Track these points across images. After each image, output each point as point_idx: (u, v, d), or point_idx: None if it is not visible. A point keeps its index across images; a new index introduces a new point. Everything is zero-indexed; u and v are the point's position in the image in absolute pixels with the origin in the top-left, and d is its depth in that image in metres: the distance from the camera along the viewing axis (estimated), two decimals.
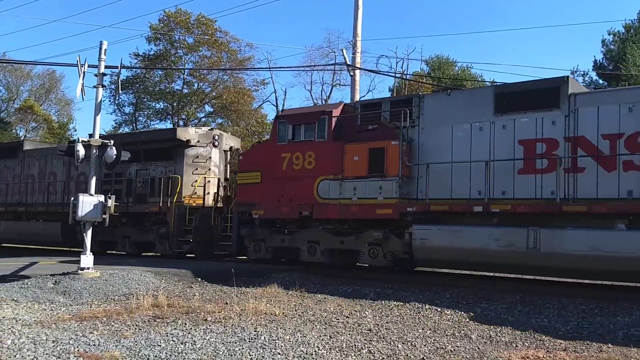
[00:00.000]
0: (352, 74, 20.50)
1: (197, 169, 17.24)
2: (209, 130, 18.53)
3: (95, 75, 12.71)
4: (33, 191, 21.04)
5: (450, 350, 6.82)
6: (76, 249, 19.16)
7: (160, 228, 17.00)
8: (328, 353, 6.51)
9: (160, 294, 9.63)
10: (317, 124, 13.68)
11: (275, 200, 14.09)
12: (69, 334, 7.09)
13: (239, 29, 68.88)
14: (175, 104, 40.44)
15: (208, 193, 17.09)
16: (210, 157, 17.56)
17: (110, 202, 12.09)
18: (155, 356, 6.20)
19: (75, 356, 6.12)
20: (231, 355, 6.30)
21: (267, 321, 8.06)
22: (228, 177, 17.96)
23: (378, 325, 8.12)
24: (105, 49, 12.81)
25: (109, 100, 41.36)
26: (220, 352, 6.40)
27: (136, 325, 7.74)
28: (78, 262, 11.83)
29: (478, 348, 6.99)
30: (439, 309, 9.44)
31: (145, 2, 64.89)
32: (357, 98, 20.46)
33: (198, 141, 17.44)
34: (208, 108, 41.97)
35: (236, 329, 7.54)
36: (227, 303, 9.52)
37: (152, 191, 17.05)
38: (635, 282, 10.98)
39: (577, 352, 6.96)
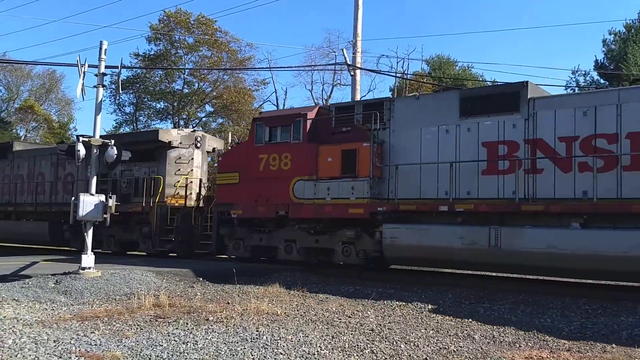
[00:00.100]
0: (352, 73, 20.49)
1: (179, 169, 17.60)
2: (192, 131, 18.89)
3: (96, 75, 12.70)
4: (22, 191, 21.36)
5: (453, 351, 6.79)
6: (63, 248, 19.81)
7: (143, 227, 17.33)
8: (330, 353, 6.48)
9: (162, 293, 9.61)
10: (292, 126, 14.07)
11: (253, 200, 14.45)
12: (70, 334, 7.07)
13: (239, 29, 69.01)
14: (175, 104, 40.43)
15: (190, 193, 17.50)
16: (192, 158, 17.92)
17: (112, 202, 12.07)
18: (157, 356, 6.18)
19: (76, 356, 6.10)
20: (233, 355, 6.27)
21: (269, 321, 8.04)
22: (209, 177, 18.31)
23: (380, 325, 8.09)
24: (106, 49, 12.80)
25: (110, 100, 41.38)
26: (222, 352, 6.37)
27: (138, 325, 7.71)
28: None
29: (481, 348, 6.96)
30: (442, 309, 9.41)
31: (145, 2, 64.97)
32: (358, 98, 20.46)
33: (180, 143, 17.79)
34: (209, 108, 42.01)
35: (238, 328, 7.51)
36: (228, 303, 9.50)
37: (136, 191, 17.34)
38: (589, 279, 11.46)
39: (581, 352, 6.93)
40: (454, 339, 7.39)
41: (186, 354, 6.26)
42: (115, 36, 72.73)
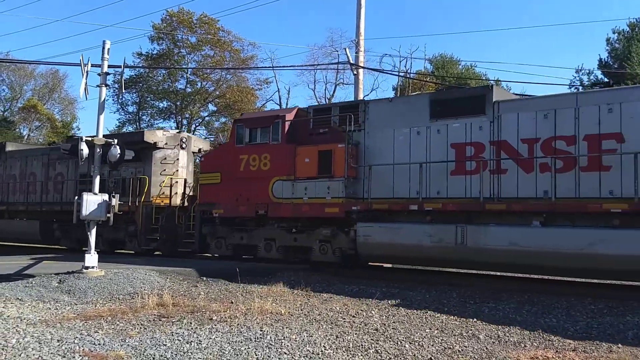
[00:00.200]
0: (355, 73, 20.44)
1: (165, 170, 17.96)
2: (177, 133, 19.29)
3: (99, 74, 12.71)
4: (14, 191, 21.70)
5: (458, 350, 6.76)
6: (54, 246, 20.24)
7: (130, 226, 17.67)
8: (335, 353, 6.46)
9: (165, 293, 9.60)
10: (271, 127, 14.46)
11: (234, 200, 14.78)
12: (73, 333, 7.06)
13: (241, 28, 69.01)
14: (178, 103, 40.44)
15: (176, 193, 17.85)
16: (178, 159, 18.26)
17: (115, 201, 12.06)
18: (161, 355, 6.16)
19: (80, 355, 6.08)
20: (237, 355, 6.25)
21: (273, 320, 8.01)
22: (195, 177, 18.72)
23: (385, 324, 8.06)
24: (109, 49, 12.80)
25: (113, 100, 41.44)
26: (226, 352, 6.35)
27: (141, 324, 7.70)
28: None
29: (486, 348, 6.92)
30: (446, 308, 9.38)
31: (148, 2, 64.98)
32: (361, 97, 20.41)
33: (166, 143, 18.13)
34: (211, 107, 41.99)
35: (242, 328, 7.49)
36: (232, 302, 9.48)
37: (123, 191, 17.60)
38: (549, 275, 11.79)
39: (587, 352, 6.88)
40: (459, 339, 7.36)
41: (190, 354, 6.24)
42: (118, 36, 72.92)
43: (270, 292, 10.49)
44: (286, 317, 8.29)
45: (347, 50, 20.53)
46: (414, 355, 6.50)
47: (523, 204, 10.91)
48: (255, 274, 12.36)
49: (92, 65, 12.53)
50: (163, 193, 17.57)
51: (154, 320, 7.98)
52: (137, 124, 42.12)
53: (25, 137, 46.30)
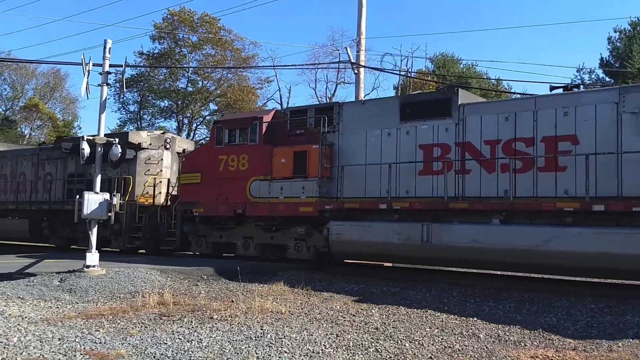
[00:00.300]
0: (356, 72, 20.43)
1: (149, 170, 18.27)
2: (161, 134, 19.64)
3: (100, 73, 12.72)
4: (5, 190, 22.02)
5: (458, 350, 6.77)
6: (42, 244, 20.71)
7: (114, 225, 17.72)
8: (335, 352, 6.47)
9: (166, 291, 9.63)
10: (249, 128, 14.86)
11: (214, 199, 15.19)
12: (75, 332, 7.08)
13: (242, 27, 69.00)
14: (179, 102, 40.47)
15: (160, 193, 18.19)
16: (161, 159, 18.57)
17: (116, 200, 12.08)
18: (162, 354, 6.18)
19: (81, 354, 6.10)
20: (237, 354, 6.26)
21: (274, 319, 8.03)
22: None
23: (385, 323, 8.07)
24: (110, 48, 12.81)
25: (114, 99, 41.51)
26: (227, 351, 6.37)
27: (142, 323, 7.72)
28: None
29: (486, 347, 6.93)
30: (446, 307, 9.39)
31: (149, 1, 64.97)
32: (362, 96, 20.41)
33: (150, 144, 18.42)
34: (212, 106, 42.00)
35: (242, 327, 7.51)
36: (233, 301, 9.50)
37: (109, 191, 17.95)
38: (509, 272, 12.30)
39: (587, 351, 6.89)
40: (459, 338, 7.37)
41: (190, 352, 6.25)
42: (119, 35, 72.99)
43: (271, 291, 10.51)
44: (287, 316, 8.31)
45: (348, 49, 20.55)
46: (414, 354, 6.52)
47: (484, 203, 11.33)
48: (255, 273, 12.38)
49: (94, 65, 12.55)
50: (147, 192, 17.96)
51: (154, 319, 8.00)
52: (138, 123, 42.17)
53: (27, 136, 46.36)
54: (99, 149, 12.47)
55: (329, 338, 7.06)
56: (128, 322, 7.73)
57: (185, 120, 40.18)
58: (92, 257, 11.81)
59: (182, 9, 38.27)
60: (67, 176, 19.42)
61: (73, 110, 52.74)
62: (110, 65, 12.85)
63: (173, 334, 7.06)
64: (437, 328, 7.95)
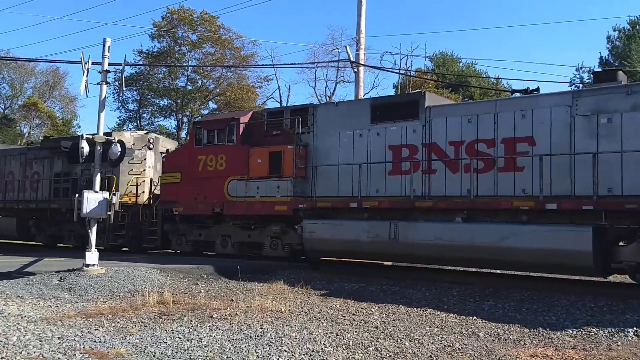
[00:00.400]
0: (356, 70, 20.43)
1: (132, 169, 18.57)
2: (145, 134, 19.97)
3: (99, 72, 12.70)
4: None
5: (458, 348, 6.77)
6: (30, 242, 21.40)
7: (99, 223, 18.12)
8: (335, 351, 6.47)
9: (166, 290, 9.62)
10: (227, 129, 15.24)
11: (193, 198, 15.60)
12: (74, 331, 7.07)
13: (242, 26, 68.94)
14: (179, 101, 40.43)
15: (143, 192, 18.54)
16: (145, 159, 18.83)
17: (116, 199, 12.08)
18: (161, 353, 6.17)
19: (81, 353, 6.09)
20: (237, 353, 6.26)
21: (273, 318, 8.03)
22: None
23: (385, 322, 8.07)
24: (109, 46, 12.78)
25: (113, 97, 41.44)
26: (227, 350, 6.36)
27: (142, 322, 7.71)
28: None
29: (486, 346, 6.93)
30: (446, 306, 9.39)
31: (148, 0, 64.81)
32: (362, 95, 20.41)
33: (133, 144, 18.66)
34: (212, 105, 41.96)
35: (242, 326, 7.51)
36: (232, 300, 9.50)
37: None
38: (471, 268, 12.56)
39: (586, 350, 6.89)
40: (459, 337, 7.37)
41: (190, 351, 6.25)
42: (118, 33, 72.95)
43: (271, 290, 10.51)
44: (286, 315, 8.31)
45: (348, 47, 20.54)
46: (414, 353, 6.52)
47: (447, 202, 11.77)
48: (255, 272, 12.39)
49: (93, 63, 12.53)
50: (130, 192, 18.24)
51: (154, 317, 8.00)
52: (138, 121, 42.13)
53: (26, 135, 46.30)
54: (99, 148, 12.44)
55: (329, 337, 7.06)
56: (128, 321, 7.72)
57: (185, 119, 40.13)
58: (92, 256, 11.80)
59: (181, 7, 38.27)
60: (54, 175, 19.79)
61: (72, 109, 52.75)
62: (110, 64, 12.83)
63: (173, 333, 7.05)
64: (437, 327, 7.96)
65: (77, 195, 12.27)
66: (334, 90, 37.18)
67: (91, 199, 11.89)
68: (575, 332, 7.76)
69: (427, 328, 7.83)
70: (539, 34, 70.28)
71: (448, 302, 9.79)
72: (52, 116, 48.72)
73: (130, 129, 42.72)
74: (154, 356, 6.07)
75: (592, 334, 7.69)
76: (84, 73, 12.26)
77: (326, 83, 37.23)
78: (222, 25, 38.97)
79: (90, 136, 12.67)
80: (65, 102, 52.28)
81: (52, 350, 6.13)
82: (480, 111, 11.84)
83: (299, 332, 7.23)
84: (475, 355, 6.52)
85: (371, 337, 7.16)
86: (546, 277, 12.19)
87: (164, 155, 17.97)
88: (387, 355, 6.40)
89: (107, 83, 12.82)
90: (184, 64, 39.35)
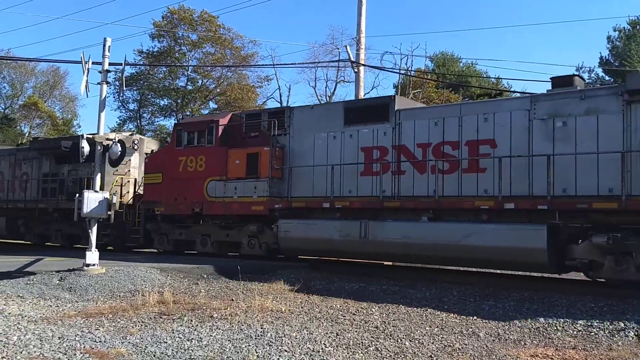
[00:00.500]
0: (356, 70, 20.41)
1: (117, 170, 18.66)
2: (130, 135, 20.30)
3: (100, 72, 12.71)
4: None
5: (458, 348, 6.77)
6: (19, 241, 21.90)
7: (84, 222, 18.30)
8: (335, 350, 6.47)
9: (166, 290, 9.62)
10: (206, 131, 15.60)
11: (173, 199, 15.96)
12: (75, 331, 7.07)
13: (242, 25, 68.86)
14: (179, 101, 40.41)
15: (128, 192, 18.79)
16: (129, 160, 18.94)
17: (116, 199, 12.07)
18: (162, 353, 6.18)
19: (81, 352, 6.10)
20: (237, 352, 6.26)
21: (274, 318, 8.03)
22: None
23: (385, 322, 8.08)
24: (109, 46, 12.80)
25: (113, 97, 41.40)
26: (227, 349, 6.37)
27: (142, 321, 7.71)
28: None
29: (486, 346, 6.93)
30: (446, 306, 9.39)
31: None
32: (362, 95, 20.40)
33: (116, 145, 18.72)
34: (212, 105, 41.92)
35: (242, 325, 7.51)
36: (233, 300, 9.50)
37: (81, 189, 18.99)
38: (438, 265, 13.08)
39: (587, 350, 6.90)
40: (459, 337, 7.38)
41: (190, 351, 6.25)
42: (119, 33, 72.72)
43: (271, 289, 10.51)
44: (286, 315, 8.31)
45: (348, 47, 20.51)
46: (414, 352, 6.52)
47: (414, 202, 12.15)
48: (255, 272, 12.38)
49: (93, 63, 12.54)
50: (115, 192, 18.20)
51: (154, 317, 8.00)
52: (138, 121, 42.11)
53: (27, 135, 46.29)
54: (99, 148, 12.45)
55: (329, 337, 7.06)
56: (128, 321, 7.72)
57: None
58: (92, 255, 11.79)
59: (181, 7, 38.22)
60: (42, 176, 20.15)
61: (72, 109, 52.67)
62: (110, 64, 12.85)
63: (173, 332, 7.05)
64: (437, 327, 7.96)
65: (77, 195, 12.28)
66: (334, 90, 37.13)
67: (91, 199, 11.89)
68: (575, 332, 7.77)
69: (427, 328, 7.84)
70: (538, 33, 70.32)
71: (448, 302, 9.79)
72: (52, 116, 48.69)
73: (130, 128, 42.77)
74: (154, 356, 6.07)
75: (593, 334, 7.70)
76: (84, 73, 12.28)
77: (326, 83, 37.16)
78: (222, 25, 38.96)
79: (91, 136, 12.65)
80: (66, 101, 52.29)
81: (52, 350, 6.13)
82: (446, 114, 12.25)
83: (299, 332, 7.23)
84: (476, 355, 6.52)
85: (371, 337, 7.16)
86: (546, 277, 12.17)
87: (147, 158, 18.21)
88: (388, 355, 6.40)
89: (107, 83, 12.83)
90: (184, 64, 39.34)
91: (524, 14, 66.77)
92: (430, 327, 7.93)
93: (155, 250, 17.27)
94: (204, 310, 8.45)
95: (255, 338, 6.86)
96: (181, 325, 7.46)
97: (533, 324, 8.17)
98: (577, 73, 10.71)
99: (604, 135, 10.26)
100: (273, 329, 7.29)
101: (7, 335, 6.71)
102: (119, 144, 12.44)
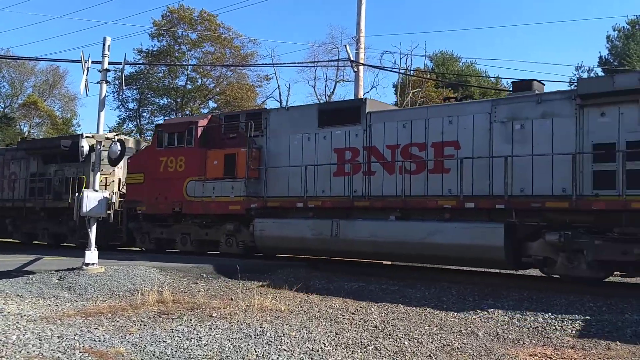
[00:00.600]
0: (355, 70, 20.41)
1: (102, 170, 18.77)
2: (115, 135, 20.38)
3: (99, 71, 12.69)
4: None
5: (457, 348, 6.78)
6: (8, 240, 22.29)
7: (70, 221, 18.83)
8: (334, 350, 6.48)
9: (165, 289, 9.62)
10: (186, 132, 16.00)
11: (154, 198, 16.32)
12: (74, 330, 7.07)
13: (242, 25, 68.75)
14: (179, 100, 40.41)
15: (112, 191, 18.79)
16: None
17: (115, 198, 12.06)
18: (161, 352, 6.18)
19: (80, 352, 6.10)
20: (237, 352, 6.27)
21: (273, 317, 8.04)
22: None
23: (384, 322, 8.08)
24: (109, 45, 12.77)
25: (113, 96, 41.39)
26: (226, 349, 6.37)
27: (141, 321, 7.71)
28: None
29: (485, 345, 6.94)
30: (445, 306, 9.40)
31: None
32: (361, 94, 20.40)
33: (104, 146, 18.87)
34: (212, 104, 41.94)
35: (242, 325, 7.51)
36: (232, 299, 9.50)
37: (66, 189, 19.03)
38: (404, 262, 13.62)
39: (585, 349, 6.91)
40: (458, 336, 7.38)
41: (190, 350, 6.26)
42: (118, 32, 72.97)
43: (270, 289, 10.52)
44: (286, 314, 8.32)
45: (348, 47, 20.51)
46: (413, 352, 6.53)
47: (382, 202, 12.57)
48: (255, 271, 12.39)
49: (93, 62, 12.53)
50: None
51: (154, 317, 8.00)
52: (138, 120, 42.11)
53: (26, 134, 46.24)
54: (98, 147, 12.44)
55: (328, 336, 7.07)
56: (127, 320, 7.73)
57: None
58: (92, 255, 11.78)
59: (181, 6, 38.22)
60: (29, 176, 20.51)
61: (72, 108, 52.66)
62: (110, 63, 12.82)
63: (172, 332, 7.06)
64: (436, 326, 7.97)
65: (77, 194, 12.28)
66: (334, 89, 37.13)
67: (90, 198, 11.88)
68: (574, 332, 7.78)
69: (426, 327, 7.85)
70: (538, 33, 70.27)
71: (447, 301, 9.80)
72: (52, 115, 48.67)
73: (130, 128, 42.79)
74: (153, 355, 6.08)
75: (591, 333, 7.70)
76: (83, 72, 12.26)
77: (326, 82, 37.18)
78: (222, 24, 38.96)
79: (91, 135, 12.64)
80: (65, 101, 52.27)
81: (51, 349, 6.13)
82: (413, 117, 12.69)
83: (299, 331, 7.24)
84: (475, 354, 6.53)
85: (370, 336, 7.17)
86: (545, 277, 12.17)
87: (129, 158, 18.36)
88: (387, 354, 6.41)
89: (107, 82, 12.81)
90: (184, 63, 39.34)
91: (524, 13, 66.82)
92: (430, 326, 7.94)
93: (138, 249, 17.60)
94: (203, 310, 8.45)
95: (255, 337, 6.87)
96: (180, 325, 7.47)
97: (532, 324, 8.18)
98: (536, 78, 11.30)
99: (559, 138, 10.73)
100: (272, 328, 7.30)
101: (6, 334, 6.71)
102: (117, 144, 12.42)
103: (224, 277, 11.95)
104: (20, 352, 6.04)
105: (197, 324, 7.52)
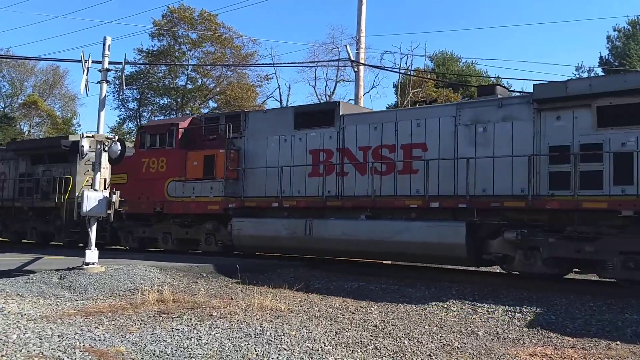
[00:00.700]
0: (356, 69, 20.45)
1: (88, 170, 19.14)
2: (89, 136, 20.33)
3: (100, 70, 12.68)
4: None
5: (457, 347, 6.78)
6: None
7: (57, 220, 19.49)
8: (334, 349, 6.48)
9: (166, 289, 9.63)
10: (167, 134, 16.41)
11: (137, 198, 16.63)
12: (74, 329, 7.08)
13: (242, 24, 68.76)
14: (179, 100, 40.42)
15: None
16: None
17: (115, 198, 12.07)
18: (161, 351, 6.18)
19: (80, 351, 6.10)
20: (237, 351, 6.27)
21: (273, 317, 8.04)
22: None
23: (384, 321, 8.09)
24: (109, 45, 12.76)
25: (113, 96, 41.38)
26: (226, 348, 6.38)
27: (141, 320, 7.72)
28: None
29: (485, 345, 6.94)
30: (445, 305, 9.40)
31: None
32: (361, 94, 20.44)
33: (90, 146, 19.13)
34: (212, 104, 41.96)
35: (242, 324, 7.52)
36: (232, 298, 9.51)
37: (54, 189, 19.41)
38: (374, 260, 13.98)
39: (585, 349, 6.91)
40: (458, 336, 7.39)
41: (190, 350, 6.26)
42: (118, 32, 72.98)
43: (270, 288, 10.51)
44: (286, 314, 8.32)
45: (348, 47, 20.54)
46: (413, 351, 6.53)
47: (353, 201, 13.00)
48: (255, 271, 12.38)
49: (93, 62, 12.51)
50: None
51: (154, 316, 8.01)
52: (138, 120, 42.10)
53: (26, 134, 46.27)
54: (99, 146, 12.44)
55: (328, 335, 7.07)
56: (127, 320, 7.73)
57: None
58: (92, 254, 11.78)
59: (181, 6, 38.23)
60: (19, 176, 20.88)
61: (72, 108, 52.69)
62: (110, 63, 12.82)
63: (172, 331, 7.06)
64: (436, 326, 7.97)
65: (77, 194, 12.29)
66: (334, 89, 37.15)
67: (91, 198, 11.88)
68: (574, 331, 7.77)
69: (426, 327, 7.85)
70: (538, 33, 70.26)
71: (447, 300, 9.79)
72: (52, 115, 48.67)
73: (130, 127, 42.80)
74: (153, 354, 6.08)
75: (591, 333, 7.70)
76: (84, 72, 12.25)
77: (326, 82, 37.20)
78: (222, 24, 38.98)
79: (89, 135, 12.62)
80: (65, 100, 52.29)
81: (52, 349, 6.14)
82: (384, 120, 13.11)
83: (299, 330, 7.24)
84: (475, 354, 6.53)
85: (370, 335, 7.17)
86: (545, 278, 12.16)
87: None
88: (387, 354, 6.41)
89: (107, 82, 12.81)
90: (184, 63, 39.35)
91: (524, 13, 66.83)
92: (429, 326, 7.95)
93: (123, 247, 18.00)
94: (203, 309, 8.46)
95: (255, 337, 6.87)
96: (180, 324, 7.47)
97: (532, 323, 8.17)
98: (500, 83, 11.97)
99: (518, 140, 11.16)
100: (272, 328, 7.30)
101: (7, 333, 6.71)
102: (118, 143, 12.42)
103: (224, 277, 11.96)
104: (20, 351, 6.04)
105: (197, 323, 7.52)
